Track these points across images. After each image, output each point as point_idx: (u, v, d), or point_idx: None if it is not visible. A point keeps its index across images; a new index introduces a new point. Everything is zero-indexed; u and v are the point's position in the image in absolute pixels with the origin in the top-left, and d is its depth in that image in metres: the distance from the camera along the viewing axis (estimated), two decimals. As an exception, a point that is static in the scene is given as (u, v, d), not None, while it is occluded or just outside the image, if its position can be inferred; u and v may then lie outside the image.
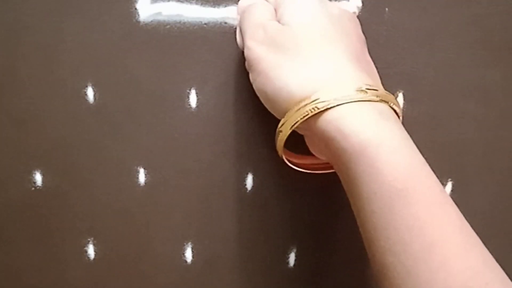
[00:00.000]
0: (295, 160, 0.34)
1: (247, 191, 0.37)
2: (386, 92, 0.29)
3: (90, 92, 0.37)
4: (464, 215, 0.37)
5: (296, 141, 0.32)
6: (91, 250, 0.37)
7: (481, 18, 0.39)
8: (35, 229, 0.37)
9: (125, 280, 0.37)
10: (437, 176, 0.38)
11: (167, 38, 0.38)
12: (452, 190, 0.38)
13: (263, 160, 0.37)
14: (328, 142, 0.27)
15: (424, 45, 0.39)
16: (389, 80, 0.38)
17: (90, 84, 0.37)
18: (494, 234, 0.38)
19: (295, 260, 0.38)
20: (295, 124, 0.28)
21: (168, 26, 0.38)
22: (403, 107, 0.38)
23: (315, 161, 0.34)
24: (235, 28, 0.37)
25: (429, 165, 0.38)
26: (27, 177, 0.37)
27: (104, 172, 0.37)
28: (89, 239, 0.37)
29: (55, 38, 0.37)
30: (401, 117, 0.30)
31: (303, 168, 0.34)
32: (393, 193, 0.25)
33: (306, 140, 0.33)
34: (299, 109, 0.27)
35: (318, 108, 0.27)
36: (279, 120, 0.30)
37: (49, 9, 0.37)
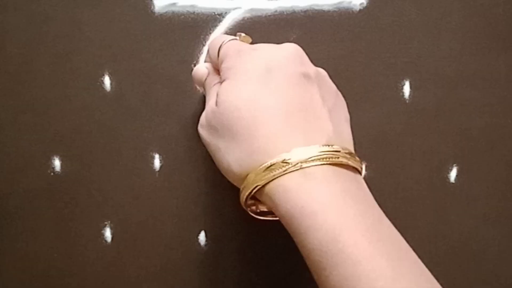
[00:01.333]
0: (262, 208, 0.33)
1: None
2: (330, 144, 0.27)
3: (107, 81, 0.38)
4: (468, 200, 0.38)
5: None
6: (108, 234, 0.37)
7: (485, 7, 0.39)
8: (53, 214, 0.37)
9: (140, 263, 0.37)
10: (442, 162, 0.38)
11: (181, 28, 0.38)
12: (457, 176, 0.38)
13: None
14: (271, 208, 0.28)
15: (430, 34, 0.39)
16: (396, 69, 0.39)
17: (107, 73, 0.38)
18: (498, 219, 0.38)
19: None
20: (245, 200, 0.29)
21: (182, 17, 0.38)
22: (410, 95, 0.39)
23: None
24: (247, 19, 0.38)
25: (435, 151, 0.38)
26: (46, 162, 0.37)
27: (120, 157, 0.37)
28: (106, 223, 0.37)
29: (73, 28, 0.38)
30: (343, 152, 0.28)
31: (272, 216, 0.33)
32: (324, 257, 0.25)
33: None
34: (243, 188, 0.29)
35: (257, 186, 0.28)
36: None
37: (67, 0, 0.38)
